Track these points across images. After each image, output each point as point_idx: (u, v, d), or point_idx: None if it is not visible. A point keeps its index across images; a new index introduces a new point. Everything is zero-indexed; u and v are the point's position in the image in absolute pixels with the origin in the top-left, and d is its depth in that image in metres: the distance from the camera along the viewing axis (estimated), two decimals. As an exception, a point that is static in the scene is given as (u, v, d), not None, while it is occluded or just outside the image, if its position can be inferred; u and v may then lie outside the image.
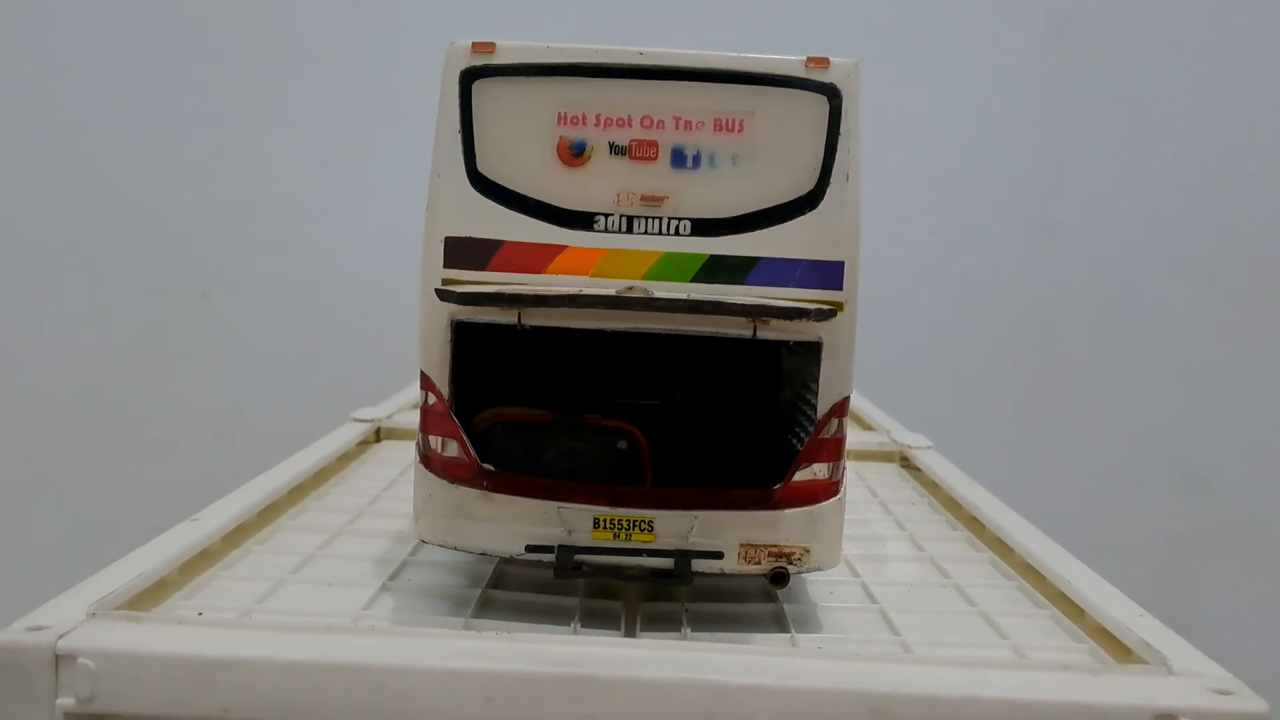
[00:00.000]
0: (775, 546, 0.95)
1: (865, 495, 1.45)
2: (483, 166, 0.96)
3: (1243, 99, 2.61)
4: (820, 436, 0.95)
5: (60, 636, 0.80)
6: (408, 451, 1.43)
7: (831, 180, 0.95)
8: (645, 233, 0.95)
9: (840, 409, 0.96)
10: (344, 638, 0.83)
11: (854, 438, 1.41)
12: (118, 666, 0.79)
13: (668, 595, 1.03)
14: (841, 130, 0.95)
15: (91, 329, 2.54)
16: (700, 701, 0.78)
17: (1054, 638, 0.97)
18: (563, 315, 0.92)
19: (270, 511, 1.22)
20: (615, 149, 0.95)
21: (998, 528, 1.23)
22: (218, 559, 1.07)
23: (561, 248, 0.95)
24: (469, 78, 0.95)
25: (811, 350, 0.94)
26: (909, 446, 1.64)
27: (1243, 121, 2.61)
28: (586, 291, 0.92)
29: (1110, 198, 2.64)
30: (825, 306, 0.93)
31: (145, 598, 0.93)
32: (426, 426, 0.98)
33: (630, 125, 0.95)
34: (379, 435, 1.66)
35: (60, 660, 0.79)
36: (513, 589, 1.03)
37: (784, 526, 0.94)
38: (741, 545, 0.94)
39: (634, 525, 0.93)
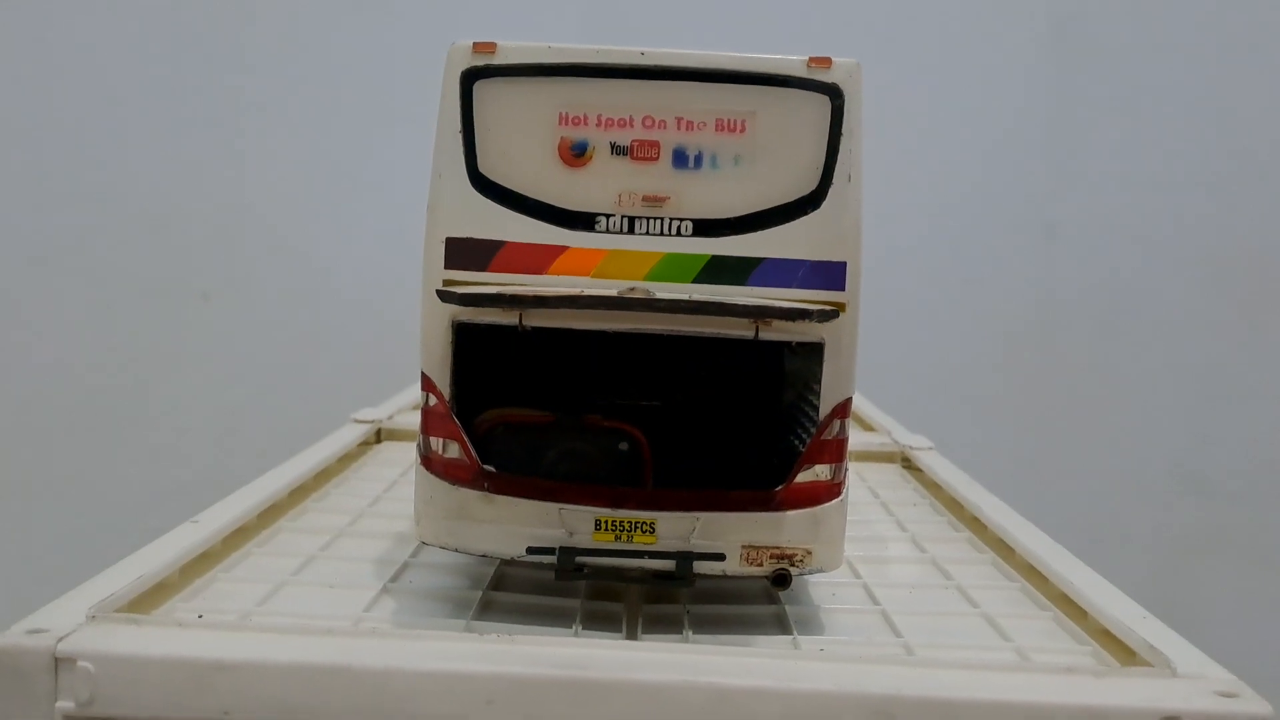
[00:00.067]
0: (777, 548, 0.94)
1: (867, 496, 1.45)
2: (484, 167, 0.95)
3: (1243, 99, 2.61)
4: (822, 438, 0.95)
5: (60, 639, 0.79)
6: (408, 453, 1.43)
7: (834, 180, 0.94)
8: (647, 233, 0.95)
9: (842, 410, 0.96)
10: (345, 640, 0.83)
11: (855, 438, 1.40)
12: (117, 669, 0.79)
13: (669, 597, 1.02)
14: (843, 130, 0.94)
15: (91, 330, 2.54)
16: (702, 704, 0.78)
17: (1057, 640, 0.97)
18: (564, 316, 0.92)
19: (270, 513, 1.22)
20: (617, 149, 0.95)
21: (999, 529, 1.23)
22: (218, 561, 1.07)
23: (563, 248, 0.95)
24: (470, 78, 0.95)
25: (814, 351, 0.94)
26: (910, 447, 1.63)
27: (1243, 121, 2.61)
28: (588, 292, 0.91)
29: (1110, 198, 2.64)
30: (827, 307, 0.92)
31: (145, 600, 0.93)
32: (427, 428, 0.97)
33: (632, 125, 0.95)
34: (379, 436, 1.66)
35: (60, 663, 0.78)
36: (514, 591, 1.03)
37: (786, 528, 0.94)
38: (743, 547, 0.94)
39: (635, 527, 0.93)
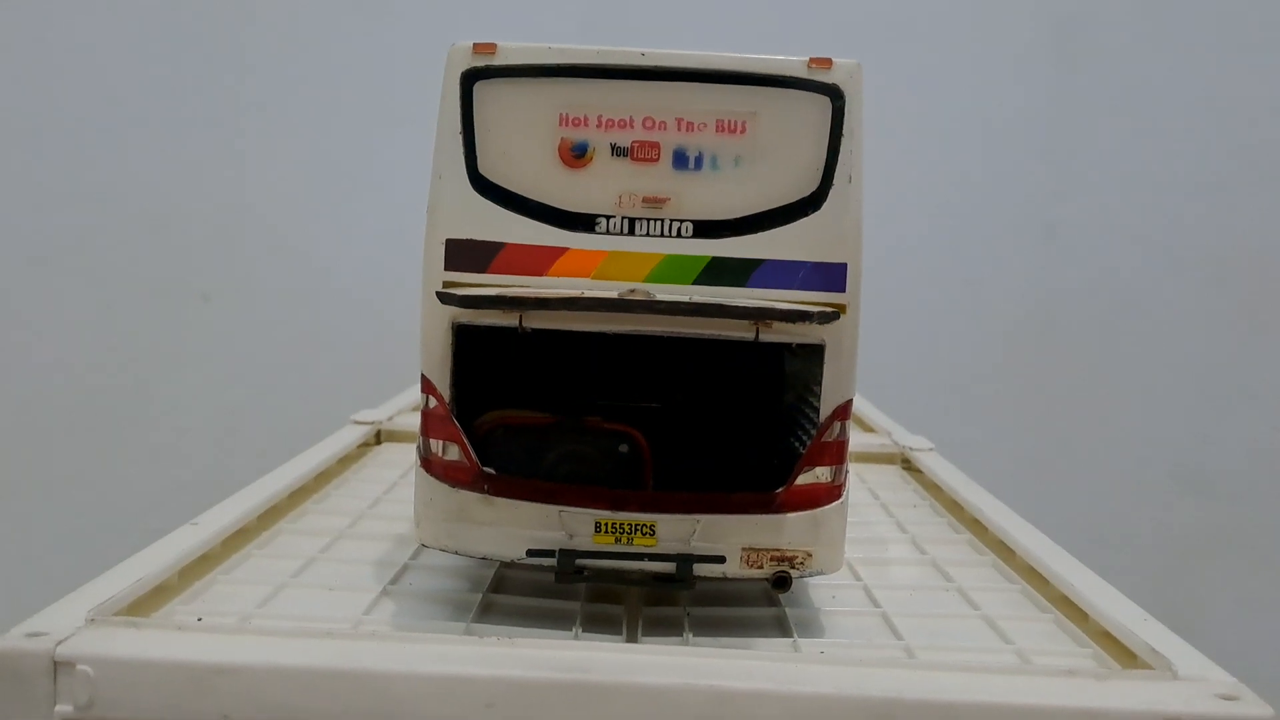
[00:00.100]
0: (777, 550, 0.94)
1: (867, 497, 1.45)
2: (484, 168, 0.95)
3: (1245, 99, 2.61)
4: (823, 440, 0.95)
5: (59, 643, 0.79)
6: (408, 454, 1.43)
7: (834, 182, 0.94)
8: (647, 235, 0.95)
9: (843, 412, 0.95)
10: (344, 643, 0.83)
11: (855, 439, 1.40)
12: (117, 673, 0.79)
13: (669, 599, 1.02)
14: (844, 131, 0.94)
15: (91, 331, 2.54)
16: (703, 707, 0.78)
17: (1058, 642, 0.97)
18: (564, 318, 0.92)
19: (270, 515, 1.22)
20: (617, 150, 0.95)
21: (1000, 530, 1.22)
22: (217, 563, 1.07)
23: (563, 250, 0.95)
24: (470, 79, 0.94)
25: (814, 353, 0.94)
26: (910, 448, 1.63)
27: (1244, 122, 2.61)
28: (588, 294, 0.91)
29: (1111, 198, 2.64)
30: (828, 309, 0.92)
31: (144, 603, 0.93)
32: (427, 430, 0.97)
33: (632, 126, 0.95)
34: (379, 438, 1.65)
35: (59, 667, 0.78)
36: (514, 593, 1.03)
37: (786, 530, 0.94)
38: (744, 549, 0.94)
39: (636, 529, 0.93)
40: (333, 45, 2.57)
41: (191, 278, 2.57)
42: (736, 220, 0.94)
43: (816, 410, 0.94)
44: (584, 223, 0.94)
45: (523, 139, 0.95)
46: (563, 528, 0.93)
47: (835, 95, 0.94)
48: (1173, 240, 2.64)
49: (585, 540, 0.93)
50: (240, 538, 1.13)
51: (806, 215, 0.94)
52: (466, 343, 0.94)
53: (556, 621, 0.96)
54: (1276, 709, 0.78)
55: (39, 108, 2.51)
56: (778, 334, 0.92)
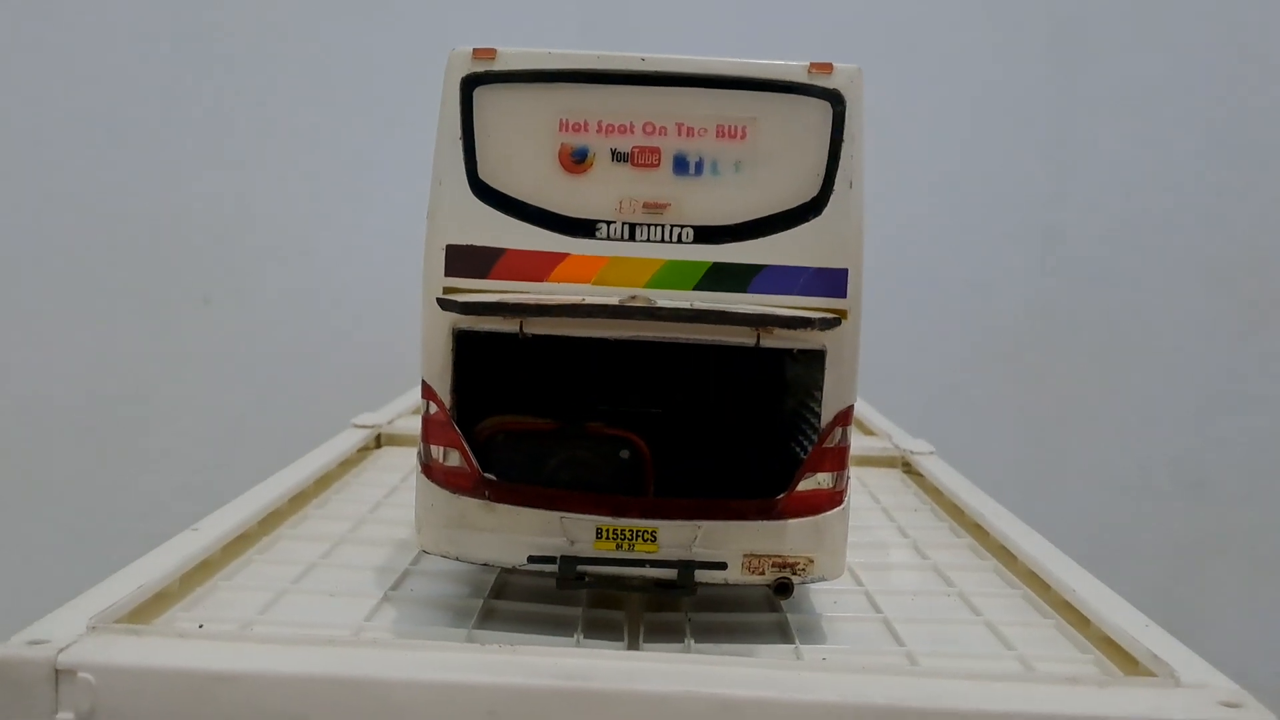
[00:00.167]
0: (779, 557, 0.94)
1: (867, 501, 1.45)
2: (484, 174, 0.95)
3: (1246, 100, 2.61)
4: (824, 446, 0.94)
5: (60, 651, 0.79)
6: (408, 458, 1.43)
7: (835, 187, 0.94)
8: (648, 240, 0.94)
9: (844, 418, 0.95)
10: (346, 650, 0.83)
11: (855, 443, 1.40)
12: (118, 681, 0.78)
13: (670, 605, 1.02)
14: (845, 136, 0.94)
15: (91, 335, 2.53)
16: (706, 715, 0.78)
17: (1059, 648, 0.97)
18: (565, 324, 0.92)
19: (271, 520, 1.21)
20: (617, 156, 0.95)
21: (1001, 535, 1.22)
22: (218, 569, 1.06)
23: (563, 255, 0.94)
24: (470, 84, 0.94)
25: (815, 359, 0.93)
26: (911, 452, 1.63)
27: (1246, 124, 2.61)
28: (589, 300, 0.91)
29: (1112, 201, 2.64)
30: (829, 315, 0.92)
31: (145, 610, 0.93)
32: (428, 436, 0.97)
33: (632, 132, 0.95)
34: (379, 441, 1.65)
35: (60, 675, 0.78)
36: (515, 599, 1.03)
37: (788, 537, 0.94)
38: (745, 556, 0.94)
39: (637, 535, 0.93)
40: (334, 50, 2.57)
41: (193, 282, 2.56)
42: (737, 225, 0.94)
43: (818, 416, 0.94)
44: (584, 228, 0.94)
45: (523, 144, 0.95)
46: (564, 534, 0.93)
47: (836, 100, 0.94)
48: (1174, 243, 2.63)
49: (586, 546, 0.93)
50: (241, 543, 1.13)
51: (807, 220, 0.94)
52: (467, 349, 0.94)
53: (558, 627, 0.96)
54: (1278, 714, 0.78)
55: (39, 111, 2.51)
56: (779, 340, 0.92)
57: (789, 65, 0.94)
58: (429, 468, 0.96)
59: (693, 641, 0.94)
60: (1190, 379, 2.65)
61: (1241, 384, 2.65)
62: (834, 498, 0.95)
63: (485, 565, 0.97)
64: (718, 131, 0.95)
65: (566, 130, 0.94)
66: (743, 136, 0.95)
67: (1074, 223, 2.66)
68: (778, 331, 0.92)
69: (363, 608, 0.99)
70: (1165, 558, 2.63)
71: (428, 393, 0.96)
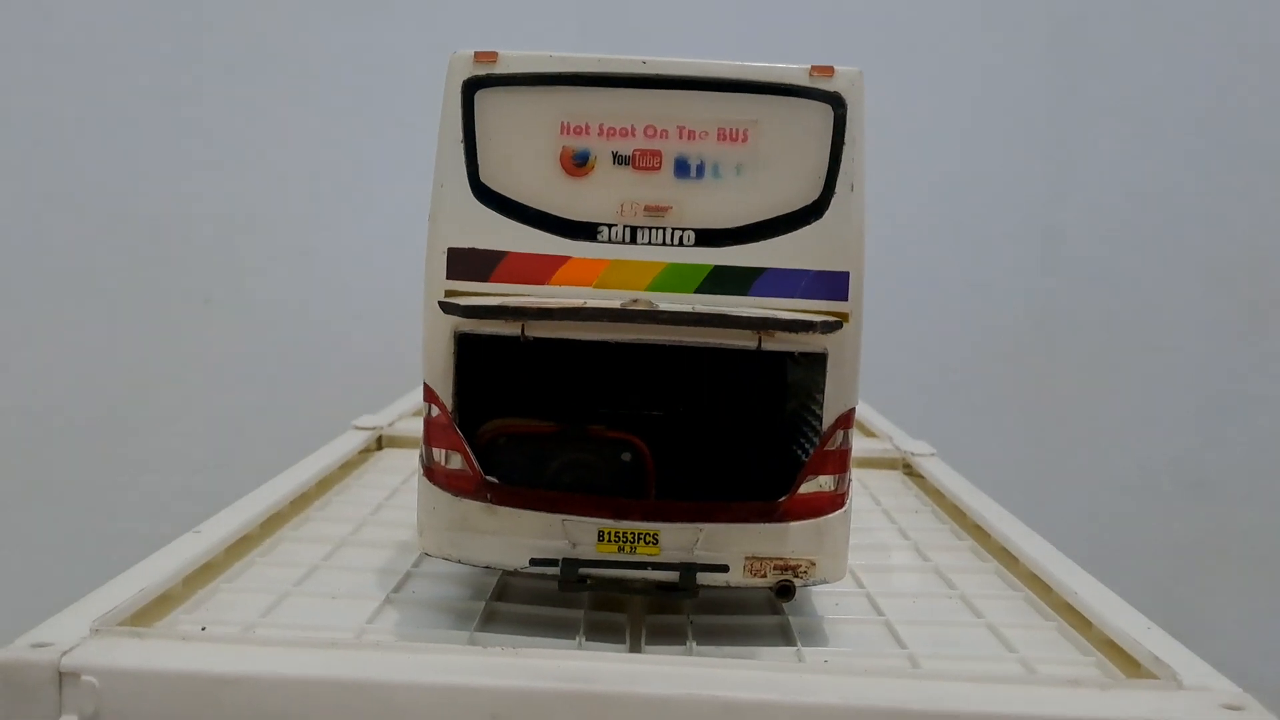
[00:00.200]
0: (781, 559, 0.94)
1: (868, 503, 1.45)
2: (485, 177, 0.95)
3: (1247, 102, 2.61)
4: (826, 448, 0.95)
5: (64, 654, 0.79)
6: (410, 459, 1.43)
7: (836, 190, 0.94)
8: (649, 243, 0.95)
9: (846, 420, 0.95)
10: (348, 653, 0.83)
11: (856, 445, 1.40)
12: (122, 684, 0.78)
13: (672, 607, 1.02)
14: (846, 139, 0.94)
15: (92, 335, 2.54)
16: (708, 717, 0.78)
17: (1061, 650, 0.97)
18: (566, 327, 0.92)
19: (273, 522, 1.21)
20: (618, 159, 0.95)
21: (1003, 537, 1.22)
22: (220, 571, 1.06)
23: (565, 259, 0.95)
24: (471, 87, 0.94)
25: (817, 362, 0.94)
26: (912, 454, 1.63)
27: (1247, 125, 2.61)
28: (591, 304, 0.91)
29: (1112, 201, 2.64)
30: (830, 318, 0.92)
31: (148, 612, 0.93)
32: (429, 439, 0.97)
33: (634, 135, 0.95)
34: (380, 443, 1.65)
35: (64, 678, 0.78)
36: (517, 601, 1.03)
37: (790, 539, 0.94)
38: (747, 558, 0.94)
39: (639, 538, 0.93)
40: (335, 51, 2.57)
41: (194, 282, 2.56)
42: (738, 229, 0.94)
43: (819, 419, 0.94)
44: (586, 231, 0.94)
45: (524, 147, 0.95)
46: (566, 537, 0.93)
47: (837, 103, 0.94)
48: (1174, 242, 2.63)
49: (588, 549, 0.93)
50: (243, 545, 1.13)
51: (808, 224, 0.94)
52: (469, 352, 0.94)
53: (560, 629, 0.96)
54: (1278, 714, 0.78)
55: (38, 112, 2.51)
56: (780, 343, 0.92)
57: (790, 68, 0.94)
58: (431, 470, 0.97)
59: (695, 644, 0.94)
60: (1190, 379, 2.65)
61: (1241, 384, 2.65)
62: (836, 500, 0.96)
63: (487, 568, 0.97)
64: (719, 134, 0.95)
65: (568, 133, 0.95)
66: (744, 139, 0.95)
67: (1074, 223, 2.65)
68: (779, 334, 0.92)
69: (365, 610, 0.99)
70: (1165, 558, 2.63)
71: (429, 395, 0.96)
